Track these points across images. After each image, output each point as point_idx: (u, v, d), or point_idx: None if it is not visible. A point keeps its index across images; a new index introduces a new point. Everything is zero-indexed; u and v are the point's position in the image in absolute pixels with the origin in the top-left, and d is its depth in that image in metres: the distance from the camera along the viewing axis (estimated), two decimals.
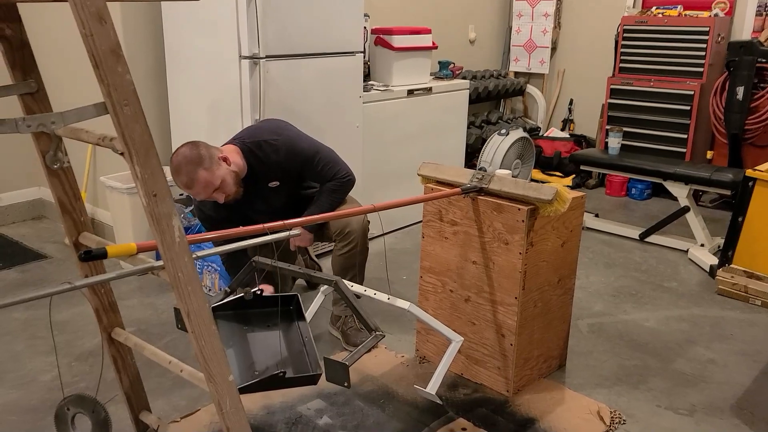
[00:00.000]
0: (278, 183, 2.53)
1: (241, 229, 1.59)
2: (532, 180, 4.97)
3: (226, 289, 1.89)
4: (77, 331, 2.69)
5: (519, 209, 2.13)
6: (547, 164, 5.21)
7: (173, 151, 3.37)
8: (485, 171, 4.38)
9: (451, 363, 2.27)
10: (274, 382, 1.61)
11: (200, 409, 2.17)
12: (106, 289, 1.65)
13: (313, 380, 1.65)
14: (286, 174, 2.52)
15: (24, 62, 1.37)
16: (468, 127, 4.85)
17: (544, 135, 5.45)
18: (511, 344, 2.25)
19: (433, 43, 4.00)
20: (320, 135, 3.23)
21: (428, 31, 3.95)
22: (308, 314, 2.14)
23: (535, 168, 5.19)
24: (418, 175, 2.45)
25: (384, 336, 1.69)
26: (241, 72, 2.89)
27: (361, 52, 3.35)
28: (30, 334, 2.66)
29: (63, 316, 2.82)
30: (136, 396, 1.77)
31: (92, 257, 1.33)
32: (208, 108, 3.11)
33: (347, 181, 2.58)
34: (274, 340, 1.76)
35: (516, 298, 2.20)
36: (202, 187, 2.27)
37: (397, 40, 3.77)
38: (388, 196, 3.65)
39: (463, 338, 1.94)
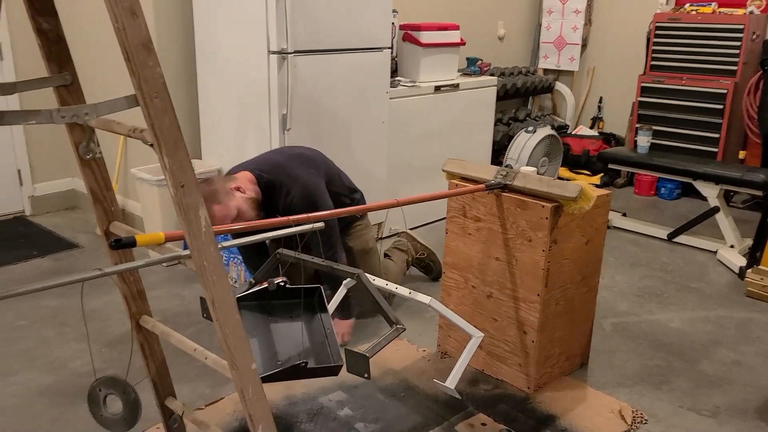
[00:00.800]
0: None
1: (266, 221, 1.62)
2: (559, 178, 4.94)
3: (251, 280, 1.93)
4: (107, 319, 2.76)
5: (543, 206, 2.13)
6: (575, 162, 5.17)
7: (201, 143, 3.44)
8: (511, 168, 4.37)
9: (471, 358, 2.29)
10: (295, 372, 1.63)
11: (224, 397, 2.21)
12: (135, 277, 1.69)
13: (334, 371, 1.68)
14: (289, 210, 2.53)
15: (59, 55, 1.41)
16: (495, 124, 4.83)
17: (573, 133, 5.41)
18: (533, 341, 2.25)
19: (461, 40, 3.99)
20: (346, 130, 3.27)
21: (456, 27, 3.95)
22: (330, 306, 2.17)
23: (562, 166, 5.16)
24: (443, 171, 2.46)
25: (404, 329, 1.71)
26: (270, 67, 2.93)
27: (388, 48, 3.36)
28: (60, 321, 2.73)
29: (93, 304, 2.89)
30: (162, 382, 1.81)
31: (122, 245, 1.37)
32: (236, 102, 3.16)
33: (325, 240, 2.53)
34: (297, 331, 1.79)
35: (538, 295, 2.20)
36: (219, 221, 2.33)
37: (425, 36, 3.77)
38: (412, 192, 3.66)
39: (483, 334, 1.95)
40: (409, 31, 3.81)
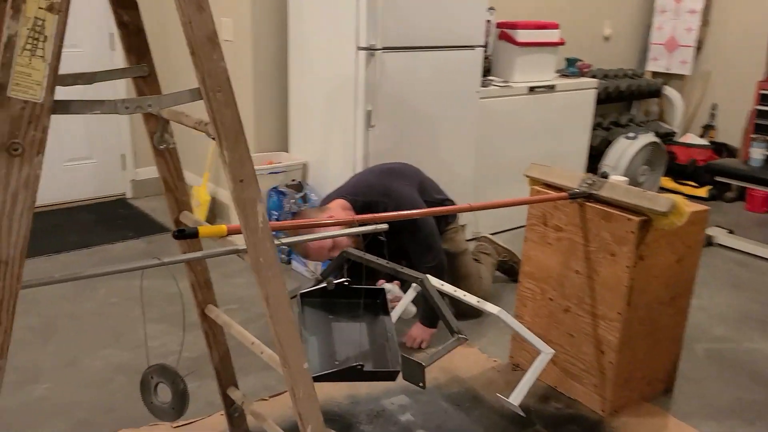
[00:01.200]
0: (385, 239, 2.54)
1: (329, 221, 1.60)
2: (661, 189, 4.66)
3: (318, 276, 1.92)
4: (188, 303, 2.85)
5: (629, 219, 1.99)
6: (680, 172, 4.86)
7: (289, 137, 3.49)
8: (607, 175, 4.15)
9: (542, 374, 2.18)
10: (351, 373, 1.61)
11: (287, 390, 2.22)
12: (203, 267, 1.72)
13: (391, 376, 1.64)
14: (392, 234, 2.49)
15: (139, 47, 1.45)
16: (594, 129, 4.62)
17: (679, 141, 5.08)
18: (611, 362, 2.11)
19: (561, 39, 3.83)
20: (433, 129, 3.21)
21: (555, 26, 3.80)
22: (398, 310, 2.13)
23: (666, 176, 4.86)
24: (525, 176, 2.35)
25: (466, 339, 1.64)
26: (357, 63, 2.92)
27: (481, 47, 3.27)
28: (146, 301, 2.85)
29: (178, 288, 2.99)
30: (225, 371, 1.84)
31: (185, 236, 1.39)
32: (324, 98, 3.17)
33: (433, 267, 2.51)
34: (358, 331, 1.76)
35: (619, 313, 2.06)
36: (315, 253, 2.36)
37: (521, 35, 3.65)
38: (499, 195, 3.55)
39: (554, 350, 1.85)
40: (504, 30, 3.70)
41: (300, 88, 3.34)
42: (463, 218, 3.52)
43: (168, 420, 1.48)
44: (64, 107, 1.08)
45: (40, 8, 1.01)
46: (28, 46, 1.01)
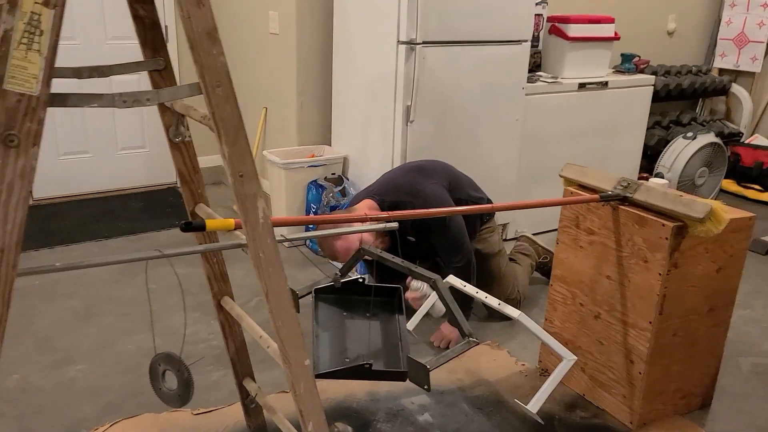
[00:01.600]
0: (414, 239, 2.53)
1: (338, 216, 1.59)
2: (722, 191, 4.43)
3: (337, 273, 1.91)
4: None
5: (663, 225, 1.90)
6: (744, 175, 4.61)
7: (332, 131, 3.50)
8: (662, 177, 3.98)
9: (572, 381, 2.12)
10: (359, 372, 1.59)
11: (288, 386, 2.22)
12: (219, 259, 1.74)
13: (400, 377, 1.62)
14: (420, 233, 2.49)
15: (154, 41, 1.47)
16: (652, 127, 4.44)
17: (746, 142, 4.82)
18: (640, 373, 2.02)
19: (616, 34, 3.69)
20: (476, 125, 3.15)
21: (610, 21, 3.65)
22: (421, 309, 2.10)
23: (730, 178, 4.63)
24: (560, 176, 2.27)
25: (478, 343, 1.60)
26: (398, 57, 2.89)
27: (527, 41, 3.18)
28: (184, 288, 2.92)
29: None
30: (241, 363, 1.86)
31: (192, 229, 1.41)
32: (365, 92, 3.16)
33: (462, 267, 2.46)
34: (373, 329, 1.75)
35: (650, 322, 1.97)
36: (343, 254, 2.35)
37: (573, 30, 3.53)
38: (543, 195, 3.46)
39: (576, 357, 1.78)
40: (556, 24, 3.59)
41: (343, 81, 3.34)
42: (506, 218, 3.45)
43: (175, 406, 1.50)
44: (61, 100, 1.10)
45: (36, 3, 1.03)
46: (25, 40, 1.03)
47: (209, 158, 4.41)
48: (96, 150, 4.05)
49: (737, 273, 2.08)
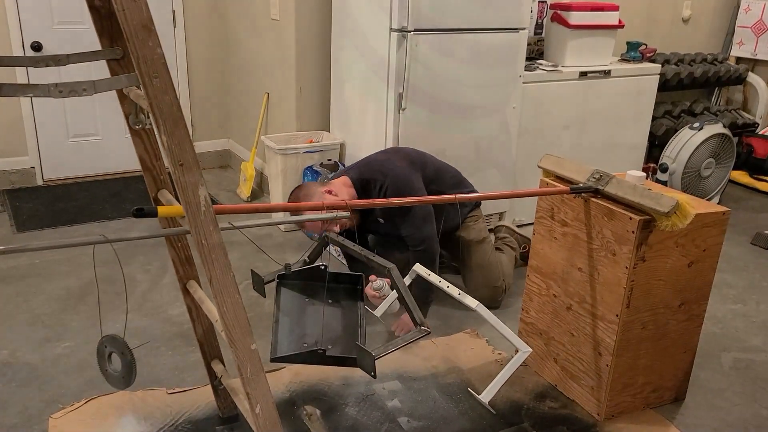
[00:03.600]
0: (383, 220, 2.56)
1: (298, 204, 1.62)
2: (730, 182, 4.35)
3: (305, 258, 1.95)
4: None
5: (630, 218, 1.88)
6: (756, 166, 4.52)
7: (330, 117, 3.52)
8: (666, 168, 3.92)
9: (546, 370, 2.14)
10: (314, 357, 1.63)
11: (285, 367, 2.27)
12: (183, 244, 1.79)
13: (352, 363, 1.64)
14: (387, 213, 2.52)
15: (111, 30, 1.51)
16: (661, 116, 4.37)
17: (761, 133, 4.70)
18: (608, 365, 2.02)
19: (620, 22, 3.63)
20: (470, 113, 3.14)
21: (615, 8, 3.59)
22: (381, 306, 2.14)
23: (742, 170, 4.54)
24: (539, 167, 2.27)
25: (429, 332, 1.62)
26: (390, 45, 2.89)
27: (525, 29, 3.15)
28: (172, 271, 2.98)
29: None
30: (208, 345, 1.91)
31: (143, 215, 1.45)
32: (360, 79, 3.17)
33: (422, 252, 2.48)
34: (333, 316, 1.78)
35: (617, 315, 1.96)
36: (310, 224, 2.37)
37: (575, 17, 3.48)
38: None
39: (531, 349, 1.79)
40: (558, 11, 3.54)
41: (341, 68, 3.35)
42: (503, 207, 3.44)
43: (119, 387, 1.56)
44: None
45: None
46: None
47: (215, 142, 4.48)
48: (105, 132, 4.14)
49: (711, 268, 2.06)
